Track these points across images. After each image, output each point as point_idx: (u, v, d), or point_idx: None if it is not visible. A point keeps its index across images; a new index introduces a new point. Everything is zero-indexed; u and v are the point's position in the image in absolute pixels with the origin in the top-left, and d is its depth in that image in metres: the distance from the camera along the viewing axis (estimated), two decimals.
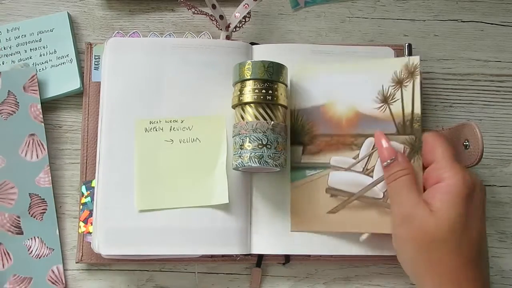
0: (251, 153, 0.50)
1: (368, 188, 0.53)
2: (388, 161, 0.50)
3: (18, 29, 0.60)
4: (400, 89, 0.53)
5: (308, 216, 0.54)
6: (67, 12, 0.61)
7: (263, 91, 0.51)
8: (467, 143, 0.54)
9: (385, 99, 0.53)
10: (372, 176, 0.53)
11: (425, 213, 0.45)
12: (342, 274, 0.57)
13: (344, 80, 0.55)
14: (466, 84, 0.62)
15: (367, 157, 0.53)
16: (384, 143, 0.51)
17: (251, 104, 0.51)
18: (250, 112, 0.51)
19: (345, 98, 0.54)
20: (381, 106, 0.53)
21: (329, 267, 0.57)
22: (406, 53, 0.60)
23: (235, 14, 0.59)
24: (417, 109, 0.52)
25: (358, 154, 0.54)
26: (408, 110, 0.52)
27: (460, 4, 0.65)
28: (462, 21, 0.64)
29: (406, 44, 0.60)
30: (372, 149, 0.53)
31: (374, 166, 0.53)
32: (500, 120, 0.61)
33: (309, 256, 0.56)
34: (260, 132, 0.50)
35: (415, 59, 0.52)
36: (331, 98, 0.55)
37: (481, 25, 0.64)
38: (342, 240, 0.54)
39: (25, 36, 0.60)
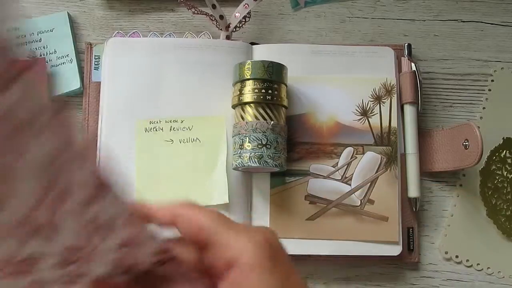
0: (251, 153, 0.50)
1: (346, 195, 0.55)
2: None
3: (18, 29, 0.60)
4: (378, 104, 0.57)
5: (286, 222, 0.54)
6: (67, 12, 0.61)
7: (263, 91, 0.51)
8: (466, 143, 0.54)
9: (365, 112, 0.57)
10: (350, 184, 0.56)
11: None
12: (342, 274, 0.57)
13: (327, 92, 0.57)
14: (466, 84, 0.62)
15: (346, 166, 0.56)
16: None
17: (251, 104, 0.51)
18: (250, 112, 0.51)
19: (327, 109, 0.57)
20: (360, 118, 0.57)
21: (329, 267, 0.57)
22: (406, 53, 0.60)
23: (235, 14, 0.59)
24: (394, 123, 0.57)
25: (337, 162, 0.56)
26: (385, 123, 0.57)
27: (460, 4, 0.64)
28: (462, 21, 0.64)
29: (406, 44, 0.60)
30: (350, 158, 0.56)
31: (352, 174, 0.56)
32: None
33: (309, 256, 0.56)
34: (259, 132, 0.50)
35: (392, 80, 0.57)
36: (313, 107, 0.57)
37: (481, 25, 0.64)
38: (342, 240, 0.54)
39: (25, 36, 0.59)
